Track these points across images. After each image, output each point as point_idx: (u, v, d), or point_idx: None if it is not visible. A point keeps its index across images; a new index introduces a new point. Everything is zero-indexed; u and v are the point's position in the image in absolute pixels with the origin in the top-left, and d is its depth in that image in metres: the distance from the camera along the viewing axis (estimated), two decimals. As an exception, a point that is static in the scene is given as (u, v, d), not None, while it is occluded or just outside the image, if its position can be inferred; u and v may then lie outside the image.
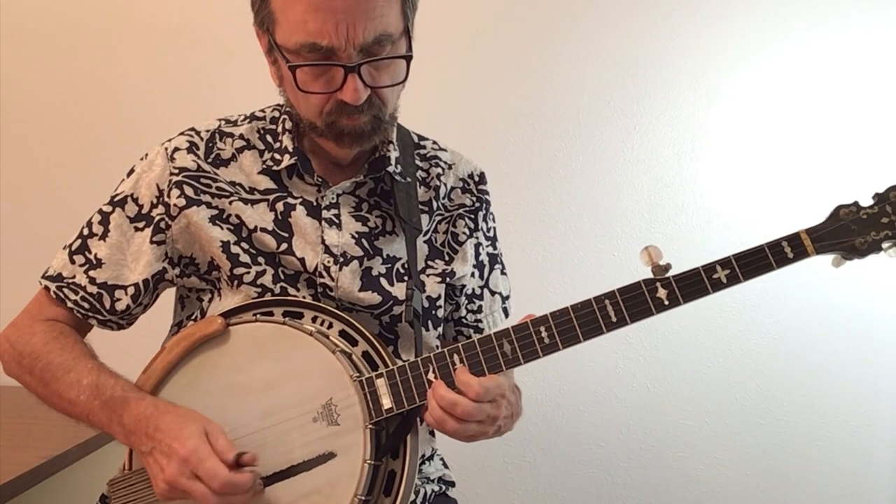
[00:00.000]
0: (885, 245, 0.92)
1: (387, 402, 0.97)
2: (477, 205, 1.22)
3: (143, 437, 0.96)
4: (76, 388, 1.01)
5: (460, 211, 1.21)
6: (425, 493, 1.21)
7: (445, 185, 1.21)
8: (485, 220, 1.24)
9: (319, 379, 0.98)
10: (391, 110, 1.06)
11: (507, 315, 1.27)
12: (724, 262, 0.94)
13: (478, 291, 1.23)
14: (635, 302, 0.95)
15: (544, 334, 0.96)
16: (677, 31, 1.96)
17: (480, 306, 1.24)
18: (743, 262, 0.93)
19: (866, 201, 0.95)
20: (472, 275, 1.22)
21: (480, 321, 1.24)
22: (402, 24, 0.99)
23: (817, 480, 2.00)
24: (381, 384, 0.98)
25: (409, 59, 1.00)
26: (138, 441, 0.97)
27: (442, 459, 1.30)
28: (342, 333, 1.03)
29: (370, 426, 0.95)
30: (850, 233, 0.93)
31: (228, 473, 0.90)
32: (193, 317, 1.14)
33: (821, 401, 1.98)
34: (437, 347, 1.19)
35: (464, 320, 1.23)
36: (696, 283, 0.94)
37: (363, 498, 0.93)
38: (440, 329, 1.20)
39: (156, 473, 0.94)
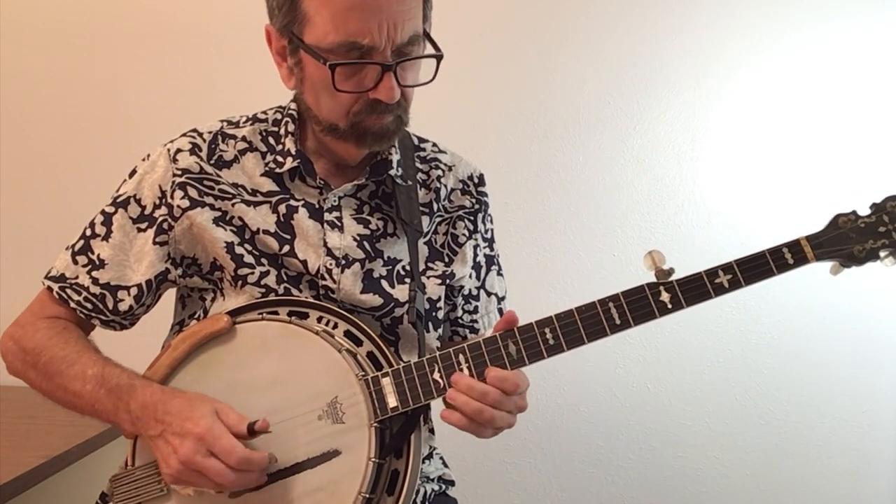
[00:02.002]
0: (881, 254, 0.94)
1: (392, 401, 0.97)
2: (476, 206, 1.23)
3: (152, 421, 0.96)
4: (81, 380, 1.02)
5: (460, 212, 1.21)
6: (425, 493, 1.21)
7: (445, 186, 1.21)
8: (483, 221, 1.24)
9: (325, 377, 0.98)
10: (409, 110, 1.07)
11: (501, 316, 1.28)
12: (727, 267, 0.95)
13: (474, 292, 1.24)
14: (639, 305, 0.96)
15: (549, 336, 0.97)
16: (677, 31, 1.96)
17: (476, 307, 1.25)
18: (745, 267, 0.95)
19: (866, 204, 0.97)
20: (469, 276, 1.23)
21: (476, 321, 1.25)
22: (423, 24, 1.01)
23: (817, 480, 2.00)
24: (387, 383, 0.98)
25: (440, 58, 1.02)
26: (146, 426, 0.96)
27: (442, 459, 1.31)
28: (347, 333, 1.04)
29: (375, 424, 0.96)
30: (848, 241, 0.95)
31: (244, 450, 0.91)
32: (196, 316, 1.14)
33: (821, 401, 1.98)
34: (437, 349, 1.20)
35: (460, 320, 1.24)
36: (699, 288, 0.96)
37: (367, 496, 0.93)
38: (440, 330, 1.21)
39: (168, 455, 0.93)
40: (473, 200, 1.23)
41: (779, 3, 1.93)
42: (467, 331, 1.25)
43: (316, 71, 1.00)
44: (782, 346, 1.98)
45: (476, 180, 1.24)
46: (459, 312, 1.24)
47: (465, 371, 0.97)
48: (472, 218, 1.22)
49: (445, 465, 1.30)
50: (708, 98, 1.96)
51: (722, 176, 1.97)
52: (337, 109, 1.03)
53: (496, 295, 1.27)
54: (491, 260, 1.27)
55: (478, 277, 1.24)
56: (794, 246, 0.95)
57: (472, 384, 0.95)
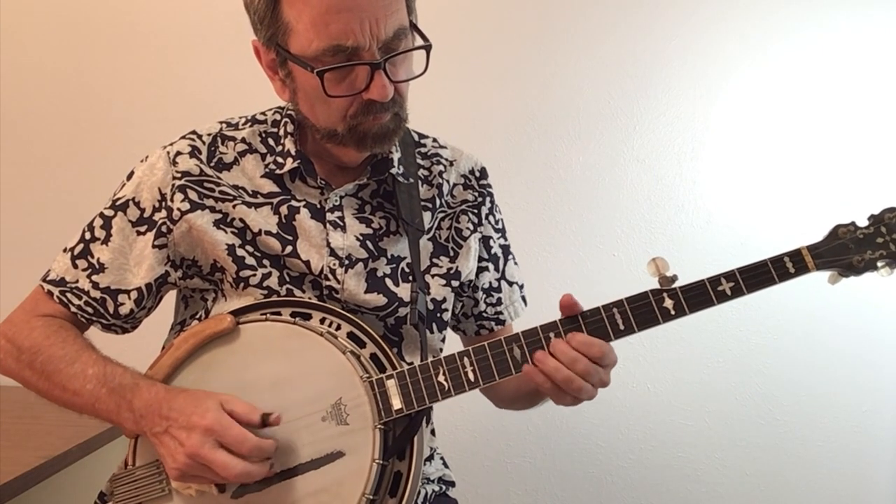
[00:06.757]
0: (879, 264, 0.97)
1: (397, 403, 0.97)
2: (479, 199, 1.23)
3: (157, 417, 0.95)
4: (81, 378, 1.01)
5: (463, 207, 1.21)
6: (425, 494, 1.21)
7: (448, 182, 1.21)
8: (491, 212, 1.25)
9: (329, 378, 0.98)
10: (405, 105, 1.06)
11: (525, 303, 1.29)
12: (729, 276, 0.97)
13: (495, 284, 1.25)
14: (643, 311, 0.97)
15: (554, 340, 0.97)
16: (677, 31, 1.96)
17: (500, 298, 1.25)
18: (747, 275, 0.97)
19: (865, 209, 0.99)
20: (488, 268, 1.23)
21: (501, 313, 1.26)
22: (408, 16, 1.01)
23: (817, 480, 2.00)
24: (392, 385, 0.98)
25: (428, 48, 1.01)
26: (150, 423, 0.96)
27: (442, 459, 1.31)
28: (350, 335, 1.04)
29: (379, 426, 0.96)
30: (847, 251, 0.97)
31: (256, 438, 0.92)
32: (197, 316, 1.14)
33: (821, 401, 1.98)
34: (441, 350, 1.20)
35: (484, 314, 1.25)
36: (702, 295, 0.97)
37: (371, 497, 0.93)
38: (445, 332, 1.21)
39: (174, 449, 0.93)
40: (476, 194, 1.23)
41: (780, 3, 1.93)
42: (493, 323, 1.26)
43: (306, 80, 1.00)
44: (782, 347, 1.98)
45: (478, 174, 1.25)
46: (483, 307, 1.25)
47: (471, 374, 0.97)
48: (475, 211, 1.22)
49: (446, 466, 1.30)
50: (708, 98, 1.96)
51: (722, 176, 1.97)
52: (333, 115, 1.02)
53: (517, 283, 1.28)
54: (507, 250, 1.27)
55: (497, 269, 1.25)
56: (795, 255, 0.97)
57: (564, 350, 0.95)
